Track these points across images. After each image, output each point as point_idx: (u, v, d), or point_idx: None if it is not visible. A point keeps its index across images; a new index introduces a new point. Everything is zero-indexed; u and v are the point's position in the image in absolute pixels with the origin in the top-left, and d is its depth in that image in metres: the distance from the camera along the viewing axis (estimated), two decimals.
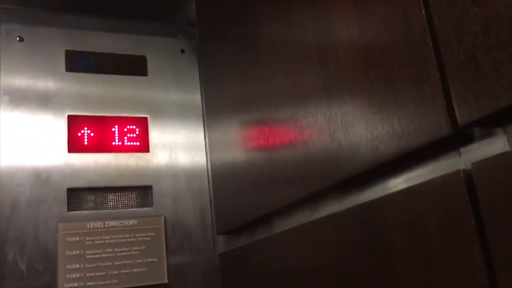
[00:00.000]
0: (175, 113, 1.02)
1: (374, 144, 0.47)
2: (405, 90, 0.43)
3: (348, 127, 0.51)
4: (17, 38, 0.94)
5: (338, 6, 0.53)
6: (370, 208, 0.48)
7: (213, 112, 0.99)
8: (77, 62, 0.97)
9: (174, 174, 0.98)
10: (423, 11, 0.41)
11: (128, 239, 0.90)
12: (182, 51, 1.07)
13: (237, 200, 0.85)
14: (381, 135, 0.46)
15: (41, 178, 0.88)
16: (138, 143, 0.97)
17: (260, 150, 0.75)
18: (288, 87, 0.65)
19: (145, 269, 0.89)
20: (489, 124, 0.37)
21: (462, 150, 0.39)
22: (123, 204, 0.93)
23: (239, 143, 0.84)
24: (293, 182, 0.64)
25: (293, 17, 0.63)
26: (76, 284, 0.84)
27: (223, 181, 0.92)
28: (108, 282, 0.86)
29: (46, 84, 0.93)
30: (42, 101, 0.92)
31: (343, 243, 0.52)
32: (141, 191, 0.95)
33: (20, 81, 0.92)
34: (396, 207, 0.44)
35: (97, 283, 0.85)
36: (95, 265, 0.86)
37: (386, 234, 0.45)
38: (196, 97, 1.05)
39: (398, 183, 0.47)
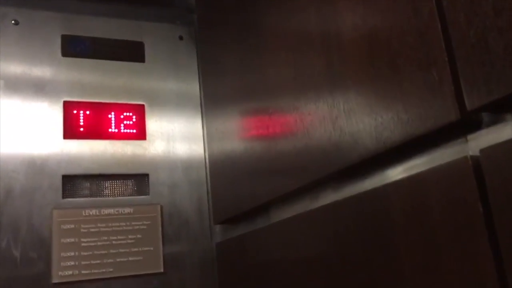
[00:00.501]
0: (173, 101, 1.01)
1: (378, 131, 0.45)
2: (411, 74, 0.41)
3: (351, 114, 0.50)
4: (12, 22, 0.92)
5: None
6: (372, 196, 0.47)
7: (211, 100, 0.97)
8: (74, 47, 0.95)
9: (171, 163, 0.97)
10: None
11: (124, 227, 0.88)
12: (180, 38, 1.05)
13: (235, 189, 0.84)
14: (386, 122, 0.44)
15: (36, 165, 0.86)
16: (134, 131, 0.95)
17: (259, 139, 0.73)
18: (290, 75, 0.63)
19: (141, 258, 0.88)
20: (498, 110, 0.35)
21: (469, 136, 0.38)
22: (119, 192, 0.92)
23: (238, 132, 0.82)
24: (293, 170, 0.63)
25: (296, 4, 0.61)
26: (70, 272, 0.83)
27: (221, 170, 0.91)
28: (103, 270, 0.85)
29: (42, 69, 0.92)
30: (38, 86, 0.90)
31: (344, 232, 0.51)
32: (137, 179, 0.94)
33: (15, 66, 0.90)
34: (400, 195, 0.42)
35: (92, 271, 0.84)
36: (90, 253, 0.85)
37: (390, 223, 0.44)
38: (194, 85, 1.04)
39: (401, 170, 0.45)
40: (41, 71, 0.91)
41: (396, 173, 0.46)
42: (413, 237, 0.41)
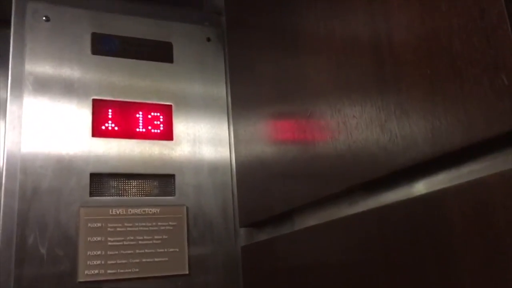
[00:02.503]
0: (200, 103, 1.00)
1: (436, 134, 0.45)
2: (475, 77, 0.41)
3: (402, 117, 0.49)
4: (44, 18, 0.92)
5: None
6: (427, 200, 0.46)
7: (240, 102, 0.97)
8: (103, 45, 0.95)
9: (197, 164, 0.96)
10: None
11: (150, 228, 0.88)
12: (208, 39, 1.05)
13: (263, 193, 0.83)
14: (444, 126, 0.44)
15: (64, 162, 0.86)
16: (162, 131, 0.95)
17: (294, 142, 0.73)
18: (332, 75, 0.62)
19: (166, 259, 0.87)
20: None
21: None
22: (146, 192, 0.91)
23: (269, 134, 0.82)
24: (333, 173, 0.62)
25: (341, 5, 0.61)
26: (97, 271, 0.82)
27: (249, 173, 0.90)
28: (129, 270, 0.84)
29: (72, 66, 0.91)
30: (67, 83, 0.90)
31: (392, 237, 0.50)
32: (163, 180, 0.93)
33: (45, 62, 0.90)
34: (461, 200, 0.41)
35: (118, 271, 0.83)
36: (117, 252, 0.84)
37: (448, 227, 0.43)
38: (221, 87, 1.03)
39: (459, 175, 0.45)
40: (70, 68, 0.91)
41: (453, 176, 0.45)
42: (474, 241, 0.40)
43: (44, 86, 0.88)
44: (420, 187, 0.50)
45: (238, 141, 0.96)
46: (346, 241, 0.59)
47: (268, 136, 0.82)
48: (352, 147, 0.58)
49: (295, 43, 0.73)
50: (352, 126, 0.58)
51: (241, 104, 0.96)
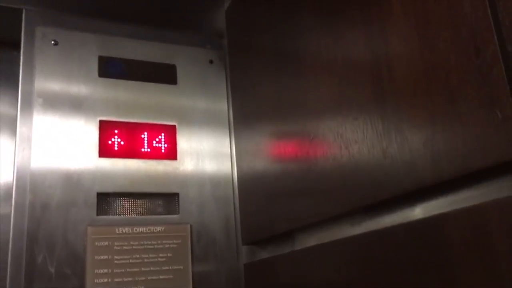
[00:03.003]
0: (202, 122, 1.03)
1: (435, 161, 0.48)
2: (471, 111, 0.44)
3: (404, 143, 0.52)
4: (52, 42, 0.95)
5: (395, 25, 0.54)
6: (427, 224, 0.49)
7: (242, 121, 1.00)
8: (110, 68, 0.98)
9: (200, 182, 0.99)
10: (495, 36, 0.42)
11: (156, 246, 0.90)
12: (211, 61, 1.09)
13: (265, 210, 0.86)
14: (443, 153, 0.47)
15: (72, 181, 0.88)
16: (166, 151, 0.98)
17: (297, 161, 0.75)
18: (334, 100, 0.66)
19: (171, 276, 0.89)
20: None
21: None
22: (151, 211, 0.93)
23: (271, 153, 0.85)
24: (336, 195, 0.65)
25: (343, 33, 0.64)
26: None
27: (251, 190, 0.93)
28: None
29: (79, 88, 0.94)
30: (75, 105, 0.93)
31: (393, 259, 0.53)
32: (168, 198, 0.96)
33: (54, 84, 0.93)
34: (460, 225, 0.45)
35: None
36: (123, 270, 0.86)
37: (447, 251, 0.46)
38: (223, 106, 1.06)
39: (457, 200, 0.48)
40: (78, 90, 0.94)
41: (452, 201, 0.48)
42: (474, 265, 0.43)
43: (53, 106, 0.91)
44: (420, 211, 0.53)
45: (240, 158, 0.99)
46: (347, 262, 0.62)
47: (270, 154, 0.85)
48: (355, 171, 0.61)
49: (295, 65, 0.77)
50: (354, 151, 0.61)
51: (243, 122, 0.99)
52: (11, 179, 0.92)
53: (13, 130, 0.94)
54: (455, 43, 0.46)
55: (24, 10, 0.96)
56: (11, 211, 0.85)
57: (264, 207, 0.87)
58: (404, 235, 0.52)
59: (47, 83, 0.92)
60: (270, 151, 0.85)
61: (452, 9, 0.46)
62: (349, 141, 0.62)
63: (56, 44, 0.95)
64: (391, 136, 0.54)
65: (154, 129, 0.98)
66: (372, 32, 0.58)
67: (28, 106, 0.90)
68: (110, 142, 0.93)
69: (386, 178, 0.55)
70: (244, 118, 0.99)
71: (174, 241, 0.92)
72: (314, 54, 0.71)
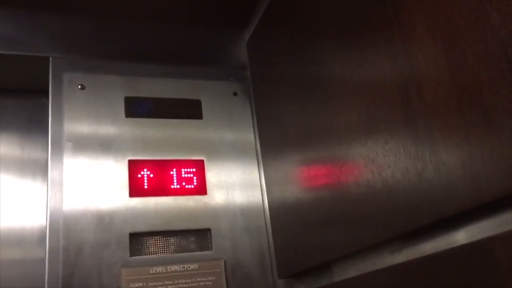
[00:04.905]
0: (230, 154, 1.03)
1: (475, 182, 0.45)
2: (510, 126, 0.42)
3: (440, 166, 0.50)
4: (79, 86, 0.97)
5: (420, 44, 0.53)
6: (473, 248, 0.46)
7: (270, 151, 0.99)
8: (136, 108, 0.99)
9: (231, 215, 0.97)
10: None
11: (190, 284, 0.88)
12: (235, 94, 1.09)
13: (301, 241, 0.83)
14: (483, 174, 0.44)
15: (104, 223, 0.88)
16: (195, 186, 0.97)
17: (329, 189, 0.73)
18: (362, 125, 0.64)
19: None
20: None
21: None
22: (183, 248, 0.92)
23: (301, 181, 0.83)
24: (372, 222, 0.62)
25: (367, 56, 0.63)
26: None
27: (284, 221, 0.91)
28: None
29: (107, 129, 0.95)
30: (104, 146, 0.94)
31: (440, 286, 0.50)
32: (200, 234, 0.94)
33: (82, 128, 0.94)
34: (508, 247, 0.42)
35: None
36: None
37: (497, 276, 0.43)
38: (249, 137, 1.06)
39: (504, 221, 0.45)
40: (106, 131, 0.95)
41: (496, 224, 0.46)
42: None
43: (83, 149, 0.92)
44: (463, 235, 0.50)
45: (270, 188, 0.98)
46: None
47: (300, 183, 0.83)
48: (390, 196, 0.58)
49: (321, 92, 0.76)
50: (387, 176, 0.59)
51: (271, 151, 0.98)
52: (45, 223, 0.93)
53: (46, 175, 0.95)
54: (485, 58, 0.44)
55: (50, 58, 0.98)
56: (45, 256, 0.85)
57: (298, 237, 0.84)
58: (449, 262, 0.49)
59: (76, 127, 0.94)
60: (300, 179, 0.84)
61: (480, 22, 0.45)
62: (381, 165, 0.60)
63: (82, 88, 0.97)
64: (426, 159, 0.52)
65: (183, 165, 0.98)
66: (396, 53, 0.57)
67: (58, 150, 0.91)
68: (139, 181, 0.93)
69: (424, 203, 0.52)
70: (272, 148, 0.98)
71: (209, 278, 0.90)
72: (338, 79, 0.70)
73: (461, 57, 0.47)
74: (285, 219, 0.90)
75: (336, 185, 0.71)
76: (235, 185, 1.00)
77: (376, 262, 0.66)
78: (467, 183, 0.46)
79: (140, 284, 0.86)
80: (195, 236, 0.94)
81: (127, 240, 0.88)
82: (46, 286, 0.82)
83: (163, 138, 0.99)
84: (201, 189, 0.97)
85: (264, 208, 1.00)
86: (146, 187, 0.93)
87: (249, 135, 1.06)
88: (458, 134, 0.47)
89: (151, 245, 0.91)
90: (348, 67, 0.68)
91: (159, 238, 0.91)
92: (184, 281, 0.88)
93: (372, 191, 0.62)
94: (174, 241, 0.92)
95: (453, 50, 0.48)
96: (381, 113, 0.60)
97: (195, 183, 0.97)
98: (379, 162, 0.60)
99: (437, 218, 0.51)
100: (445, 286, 0.49)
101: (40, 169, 1.05)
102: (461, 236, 0.50)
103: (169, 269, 0.88)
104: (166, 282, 0.87)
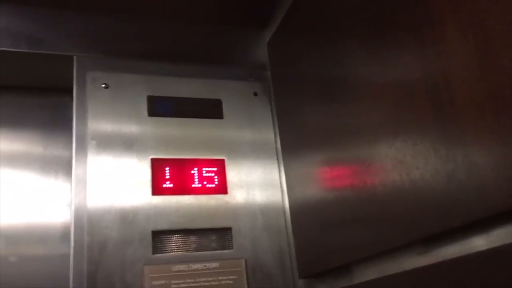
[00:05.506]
0: (250, 154, 1.03)
1: (509, 185, 0.45)
2: None
3: (471, 167, 0.50)
4: (103, 85, 0.98)
5: (452, 47, 0.53)
6: (505, 252, 0.46)
7: (290, 150, 0.99)
8: (158, 107, 1.00)
9: (251, 214, 0.98)
10: None
11: (212, 283, 0.89)
12: (255, 94, 1.09)
13: (322, 242, 0.84)
14: None
15: (127, 221, 0.89)
16: (216, 185, 0.98)
17: (353, 189, 0.73)
18: (390, 126, 0.64)
19: None
20: None
21: None
22: (204, 246, 0.93)
23: (323, 181, 0.83)
24: (398, 223, 0.62)
25: (394, 58, 0.63)
26: None
27: (305, 221, 0.91)
28: None
29: (130, 128, 0.96)
30: (127, 145, 0.95)
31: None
32: (221, 233, 0.95)
33: (106, 126, 0.95)
34: None
35: None
36: None
37: None
38: (269, 137, 1.06)
39: None
40: (129, 130, 0.96)
41: None
42: None
43: (106, 147, 0.93)
44: (494, 238, 0.50)
45: (291, 188, 0.98)
46: None
47: (322, 183, 0.83)
48: (418, 197, 0.58)
49: (345, 92, 0.76)
50: (416, 177, 0.59)
51: (292, 151, 0.98)
52: (68, 220, 0.94)
53: (68, 172, 0.96)
54: None
55: (75, 57, 0.99)
56: (69, 252, 0.86)
57: (320, 238, 0.84)
58: (479, 265, 0.49)
59: (100, 125, 0.95)
60: (322, 179, 0.84)
61: None
62: (410, 167, 0.60)
63: (106, 87, 0.98)
64: (457, 161, 0.52)
65: (204, 164, 0.98)
66: (426, 56, 0.57)
67: (82, 148, 0.92)
68: (162, 179, 0.94)
69: (454, 204, 0.52)
70: (292, 147, 0.98)
71: (230, 277, 0.91)
72: (365, 79, 0.70)
73: (496, 60, 0.47)
74: (306, 219, 0.91)
75: (361, 186, 0.71)
76: (255, 184, 1.01)
77: (398, 265, 0.66)
78: (500, 186, 0.46)
79: (163, 282, 0.86)
80: (216, 234, 0.95)
81: (150, 238, 0.89)
82: (71, 282, 0.83)
83: (185, 137, 0.99)
84: (222, 188, 0.98)
85: (284, 208, 1.01)
86: (168, 185, 0.94)
87: (269, 135, 1.07)
88: (491, 136, 0.47)
89: (172, 243, 0.91)
90: (374, 68, 0.68)
91: (180, 236, 0.92)
92: (205, 279, 0.89)
93: (400, 192, 0.62)
94: (195, 239, 0.93)
95: (488, 52, 0.48)
96: (410, 115, 0.60)
97: (216, 182, 0.98)
98: (408, 163, 0.60)
99: (468, 220, 0.51)
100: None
101: (62, 167, 1.06)
102: (493, 239, 0.50)
103: (191, 267, 0.89)
104: (188, 280, 0.88)
